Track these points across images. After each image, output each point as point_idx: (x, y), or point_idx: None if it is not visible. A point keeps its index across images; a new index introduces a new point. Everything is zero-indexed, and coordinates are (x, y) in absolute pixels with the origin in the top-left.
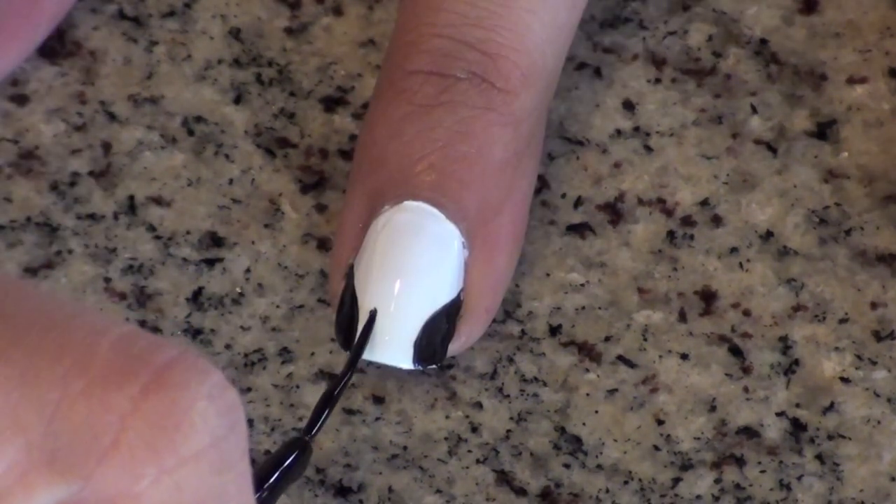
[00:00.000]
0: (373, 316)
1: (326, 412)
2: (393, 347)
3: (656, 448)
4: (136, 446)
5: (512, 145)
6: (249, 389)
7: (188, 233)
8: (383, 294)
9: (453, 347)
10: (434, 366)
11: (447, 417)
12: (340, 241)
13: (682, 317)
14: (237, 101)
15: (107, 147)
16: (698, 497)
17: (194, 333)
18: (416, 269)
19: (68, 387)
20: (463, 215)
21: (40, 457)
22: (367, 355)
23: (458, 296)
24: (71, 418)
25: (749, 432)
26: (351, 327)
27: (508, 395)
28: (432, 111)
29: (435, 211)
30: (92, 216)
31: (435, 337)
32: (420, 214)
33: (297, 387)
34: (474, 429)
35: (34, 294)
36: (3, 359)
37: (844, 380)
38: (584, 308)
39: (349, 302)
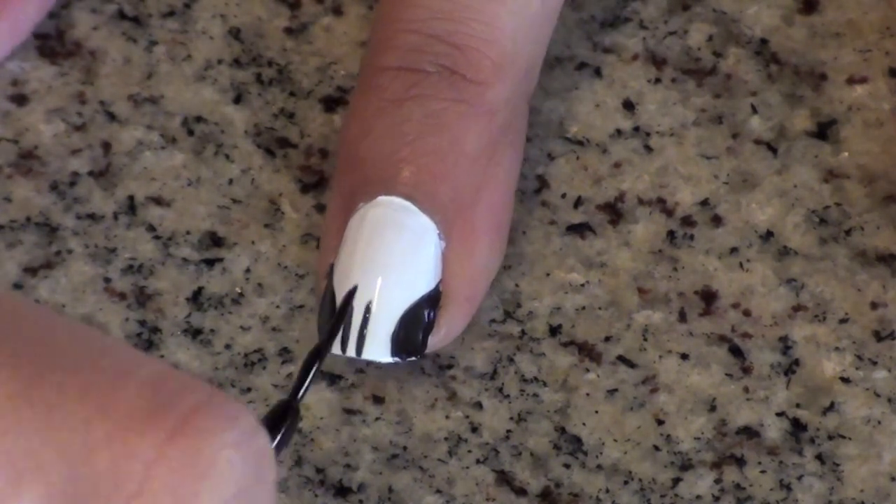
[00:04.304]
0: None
1: (312, 372)
2: (369, 342)
3: (656, 448)
4: (160, 496)
5: (485, 136)
6: (249, 389)
7: (188, 233)
8: (360, 290)
9: (434, 340)
10: (414, 357)
11: (447, 417)
12: (323, 242)
13: (682, 317)
14: (237, 101)
15: (107, 147)
16: (698, 497)
17: (194, 333)
18: (392, 263)
19: (91, 431)
20: (437, 207)
21: (61, 503)
22: (345, 352)
23: (437, 287)
24: (94, 464)
25: (749, 432)
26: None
27: (508, 395)
28: (402, 106)
29: (409, 205)
30: (92, 216)
31: (414, 329)
32: (394, 209)
33: None
34: (474, 429)
35: (62, 325)
36: (25, 400)
37: (844, 380)
38: (584, 308)
39: (329, 302)
